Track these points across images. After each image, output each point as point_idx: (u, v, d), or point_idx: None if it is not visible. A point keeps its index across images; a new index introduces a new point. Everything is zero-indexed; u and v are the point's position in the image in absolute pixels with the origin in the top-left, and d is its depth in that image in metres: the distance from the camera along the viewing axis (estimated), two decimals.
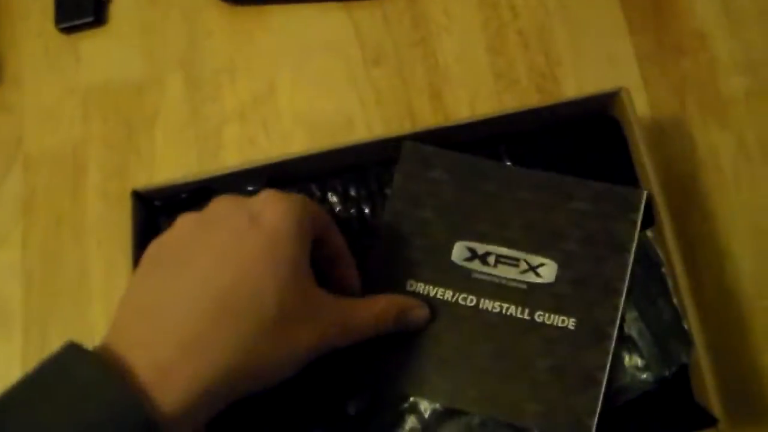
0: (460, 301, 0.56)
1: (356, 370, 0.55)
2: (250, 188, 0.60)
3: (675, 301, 0.55)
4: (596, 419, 0.53)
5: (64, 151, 0.72)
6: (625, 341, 0.55)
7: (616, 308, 0.54)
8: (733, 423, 0.58)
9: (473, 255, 0.56)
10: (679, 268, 0.54)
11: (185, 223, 0.50)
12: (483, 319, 0.55)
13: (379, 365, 0.55)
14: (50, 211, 0.71)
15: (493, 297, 0.55)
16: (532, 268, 0.56)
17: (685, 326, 0.54)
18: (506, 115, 0.59)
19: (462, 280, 0.56)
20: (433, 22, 0.71)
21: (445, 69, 0.70)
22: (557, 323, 0.55)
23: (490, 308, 0.55)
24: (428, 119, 0.69)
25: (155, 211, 0.62)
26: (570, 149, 0.60)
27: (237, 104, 0.71)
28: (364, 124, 0.69)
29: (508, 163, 0.60)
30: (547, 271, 0.56)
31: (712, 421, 0.52)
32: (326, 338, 0.48)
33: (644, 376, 0.54)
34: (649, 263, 0.56)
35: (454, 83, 0.69)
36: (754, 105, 0.67)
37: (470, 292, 0.56)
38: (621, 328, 0.55)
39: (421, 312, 0.54)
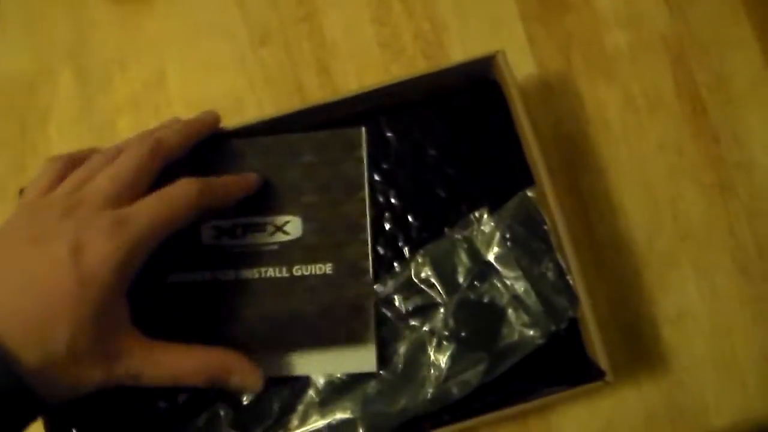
0: (220, 277, 0.57)
1: None
2: None
3: (559, 257, 0.56)
4: (374, 331, 0.55)
5: None
6: (511, 300, 0.55)
7: (365, 243, 0.57)
8: (629, 371, 0.59)
9: (219, 232, 0.58)
10: (561, 225, 0.55)
11: (17, 223, 0.50)
12: (247, 288, 0.57)
13: None
14: None
15: (249, 265, 0.57)
16: (279, 228, 0.58)
17: (570, 282, 0.55)
18: (385, 87, 0.59)
19: (217, 257, 0.57)
20: None
21: (332, 44, 0.70)
22: (315, 272, 0.57)
23: (250, 276, 0.57)
24: (317, 94, 0.69)
25: None
26: (452, 116, 0.61)
27: (129, 94, 0.71)
28: (254, 105, 0.69)
29: (389, 134, 0.60)
30: (293, 227, 0.58)
31: (600, 374, 0.53)
32: (118, 382, 0.48)
33: (532, 332, 0.55)
34: (530, 222, 0.57)
35: (342, 57, 0.69)
36: (638, 58, 0.67)
37: (227, 267, 0.57)
38: (508, 287, 0.56)
39: (249, 379, 0.52)
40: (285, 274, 0.57)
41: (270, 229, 0.58)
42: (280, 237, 0.57)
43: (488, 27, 0.69)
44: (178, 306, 0.57)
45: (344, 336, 0.56)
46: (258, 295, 0.57)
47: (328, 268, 0.57)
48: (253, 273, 0.57)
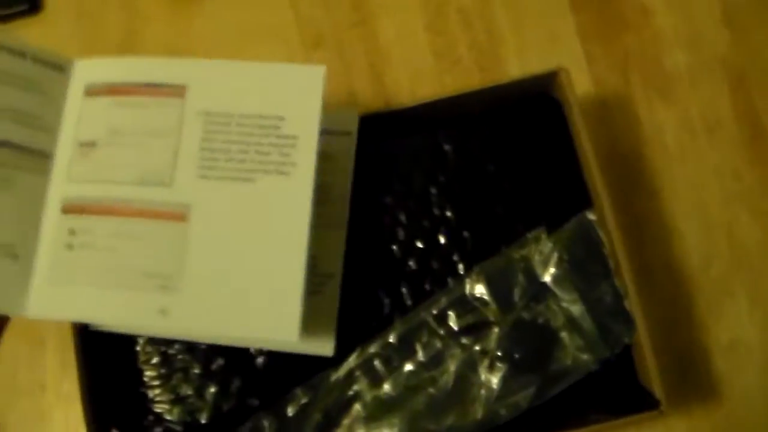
0: None
1: None
2: None
3: (616, 281, 0.54)
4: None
5: None
6: (566, 323, 0.54)
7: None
8: (679, 399, 0.58)
9: None
10: (620, 249, 0.54)
11: None
12: None
13: None
14: None
15: None
16: None
17: (627, 307, 0.54)
18: (444, 99, 0.58)
19: None
20: (372, 2, 0.70)
21: (386, 50, 0.69)
22: None
23: None
24: (369, 101, 0.68)
25: None
26: (510, 131, 0.60)
27: None
28: None
29: (447, 147, 0.59)
30: None
31: (654, 404, 0.52)
32: None
33: (586, 356, 0.54)
34: (588, 244, 0.56)
35: (395, 64, 0.68)
36: (697, 80, 0.66)
37: None
38: (563, 309, 0.55)
39: None
40: None
41: None
42: None
43: (545, 42, 0.68)
44: None
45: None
46: None
47: None
48: None
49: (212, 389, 0.56)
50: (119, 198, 0.50)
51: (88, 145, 0.52)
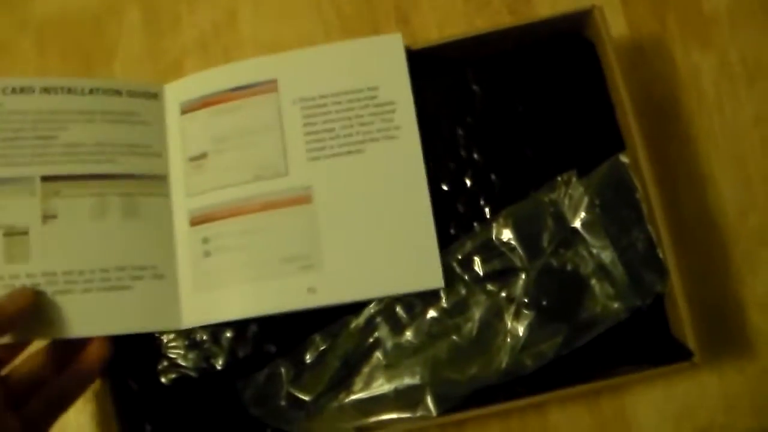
0: None
1: None
2: None
3: (650, 228, 0.52)
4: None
5: None
6: (596, 270, 0.52)
7: None
8: (711, 354, 0.56)
9: None
10: (654, 194, 0.52)
11: None
12: None
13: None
14: None
15: None
16: None
17: (660, 255, 0.52)
18: (474, 36, 0.56)
19: None
20: None
21: None
22: None
23: None
24: None
25: None
26: (541, 72, 0.58)
27: (197, 34, 0.68)
28: None
29: (475, 87, 0.57)
30: None
31: (687, 355, 0.50)
32: None
33: (616, 305, 0.52)
34: (621, 189, 0.53)
35: (423, 7, 0.66)
36: (737, 23, 0.63)
37: None
38: (593, 256, 0.53)
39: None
40: None
41: None
42: None
43: None
44: None
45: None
46: None
47: None
48: None
49: (228, 334, 0.55)
50: (241, 198, 0.54)
51: (199, 158, 0.56)
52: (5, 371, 0.51)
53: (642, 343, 0.53)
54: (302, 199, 0.53)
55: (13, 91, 0.54)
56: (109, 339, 0.53)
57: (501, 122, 0.56)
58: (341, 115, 0.55)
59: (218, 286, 0.53)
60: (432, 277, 0.52)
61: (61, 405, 0.51)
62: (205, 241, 0.54)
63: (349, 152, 0.54)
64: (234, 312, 0.53)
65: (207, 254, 0.54)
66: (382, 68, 0.55)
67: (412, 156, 0.54)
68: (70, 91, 0.54)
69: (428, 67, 0.56)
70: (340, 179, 0.54)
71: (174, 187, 0.55)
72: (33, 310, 0.50)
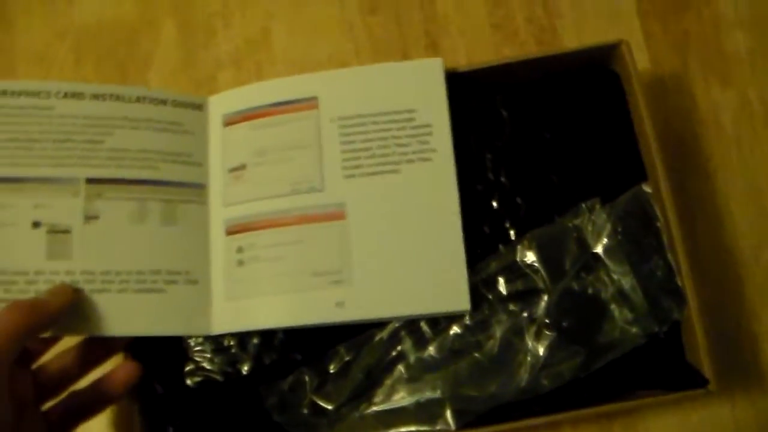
0: None
1: None
2: None
3: (669, 257, 0.54)
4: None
5: None
6: (616, 295, 0.54)
7: None
8: (724, 384, 0.57)
9: None
10: (674, 224, 0.53)
11: None
12: None
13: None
14: None
15: None
16: None
17: (679, 283, 0.53)
18: (504, 64, 0.57)
19: None
20: None
21: (443, 18, 0.68)
22: None
23: None
24: None
25: None
26: (568, 101, 0.59)
27: (231, 49, 0.70)
28: None
29: (504, 113, 0.59)
30: None
31: (702, 382, 0.51)
32: None
33: (634, 330, 0.53)
34: (643, 217, 0.55)
35: (452, 33, 0.68)
36: (757, 63, 0.65)
37: None
38: (614, 281, 0.54)
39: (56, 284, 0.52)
40: None
41: None
42: None
43: (604, 18, 0.67)
44: None
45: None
46: None
47: None
48: None
49: (255, 341, 0.56)
50: (277, 211, 0.55)
51: (238, 170, 0.57)
52: (36, 365, 0.52)
53: (658, 369, 0.54)
54: (336, 215, 0.55)
55: (65, 95, 0.55)
56: (138, 366, 0.54)
57: (528, 147, 0.58)
58: (378, 135, 0.56)
59: (250, 295, 0.54)
60: (459, 300, 0.53)
61: (83, 414, 0.52)
62: (240, 250, 0.55)
63: (384, 172, 0.55)
64: (263, 321, 0.54)
65: (240, 263, 0.55)
66: (422, 91, 0.56)
67: (445, 179, 0.55)
68: (118, 98, 0.56)
69: (459, 91, 0.57)
70: (374, 198, 0.55)
71: (212, 196, 0.57)
72: (72, 307, 0.51)
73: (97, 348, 0.53)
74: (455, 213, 0.54)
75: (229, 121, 0.58)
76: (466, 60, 0.67)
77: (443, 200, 0.54)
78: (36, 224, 0.53)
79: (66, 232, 0.53)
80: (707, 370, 0.51)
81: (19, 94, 0.55)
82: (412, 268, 0.54)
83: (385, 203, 0.55)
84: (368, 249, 0.54)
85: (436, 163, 0.55)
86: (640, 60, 0.64)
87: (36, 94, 0.55)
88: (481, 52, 0.67)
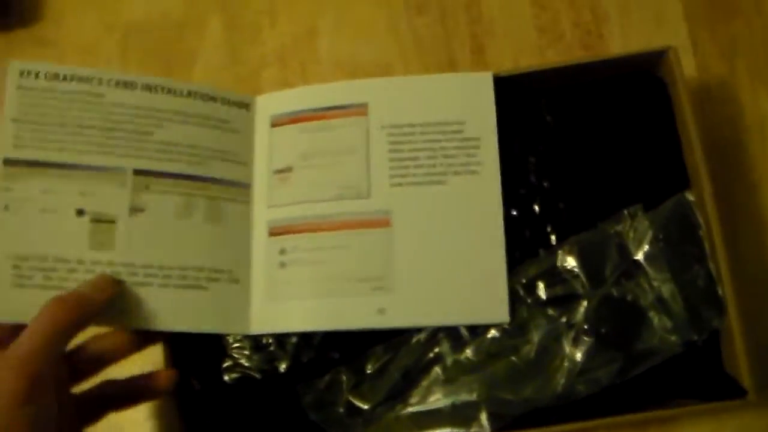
0: None
1: None
2: None
3: (710, 265, 0.53)
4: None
5: None
6: (655, 303, 0.53)
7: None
8: (762, 395, 0.57)
9: None
10: (717, 233, 0.53)
11: None
12: None
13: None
14: None
15: None
16: None
17: (719, 292, 0.53)
18: (549, 69, 0.58)
19: None
20: None
21: (489, 21, 0.68)
22: None
23: None
24: (468, 71, 0.67)
25: None
26: (612, 106, 0.59)
27: (277, 47, 0.70)
28: (403, 74, 0.68)
29: (549, 117, 0.59)
30: None
31: (741, 392, 0.51)
32: None
33: (673, 338, 0.53)
34: (685, 225, 0.55)
35: (497, 36, 0.68)
36: None
37: None
38: (654, 289, 0.54)
39: (96, 276, 0.52)
40: None
41: None
42: None
43: (651, 24, 0.67)
44: None
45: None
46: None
47: None
48: None
49: (294, 339, 0.56)
50: (322, 215, 0.56)
51: (284, 171, 0.57)
52: (73, 346, 0.52)
53: (695, 378, 0.54)
54: (381, 222, 0.55)
55: (117, 84, 0.56)
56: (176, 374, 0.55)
57: (572, 152, 0.58)
58: (427, 146, 0.56)
59: (290, 297, 0.55)
60: (499, 312, 0.54)
61: (115, 405, 0.53)
62: (282, 252, 0.56)
63: (431, 182, 0.56)
64: (302, 324, 0.55)
65: (282, 265, 0.55)
66: (471, 104, 0.57)
67: (491, 193, 0.55)
68: (169, 91, 0.57)
69: (504, 95, 0.57)
70: (419, 207, 0.55)
71: (256, 197, 0.57)
72: (113, 299, 0.52)
73: (137, 337, 0.54)
74: (499, 227, 0.55)
75: (277, 122, 0.58)
76: (511, 63, 0.67)
77: (487, 214, 0.55)
78: (80, 212, 0.54)
79: (110, 222, 0.54)
80: (746, 380, 0.51)
81: (71, 79, 0.55)
82: (454, 279, 0.54)
83: (429, 213, 0.55)
84: (411, 257, 0.55)
85: (483, 176, 0.56)
86: (686, 66, 0.63)
87: (88, 80, 0.55)
88: (527, 55, 0.67)
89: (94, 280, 0.52)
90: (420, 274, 0.54)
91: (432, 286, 0.54)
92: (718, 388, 0.53)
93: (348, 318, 0.54)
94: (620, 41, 0.67)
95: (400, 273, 0.54)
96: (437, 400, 0.54)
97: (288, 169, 0.57)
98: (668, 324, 0.53)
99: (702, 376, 0.54)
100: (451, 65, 0.68)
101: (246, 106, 0.59)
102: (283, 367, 0.56)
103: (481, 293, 0.54)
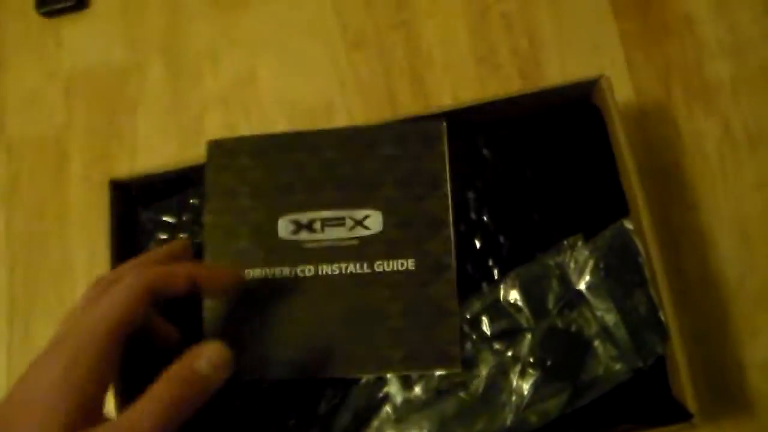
0: (299, 274, 0.56)
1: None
2: None
3: (652, 291, 0.54)
4: (459, 345, 0.54)
5: (47, 137, 0.72)
6: (599, 332, 0.54)
7: (448, 239, 0.55)
8: (711, 415, 0.58)
9: (298, 226, 0.57)
10: (656, 259, 0.53)
11: None
12: (326, 284, 0.55)
13: (245, 361, 0.55)
14: (33, 199, 0.71)
15: (329, 261, 0.56)
16: (359, 223, 0.56)
17: (661, 318, 0.53)
18: (485, 103, 0.58)
19: (295, 253, 0.56)
20: (415, 3, 0.70)
21: (428, 53, 0.69)
22: (398, 267, 0.55)
23: (330, 272, 0.56)
24: (409, 104, 0.68)
25: (133, 201, 0.62)
26: (550, 137, 0.60)
27: (218, 89, 0.71)
28: (344, 110, 0.68)
29: (486, 152, 0.59)
30: (374, 221, 0.56)
31: (687, 416, 0.52)
32: None
33: (618, 366, 0.54)
34: (625, 253, 0.55)
35: (436, 68, 0.69)
36: (739, 91, 0.65)
37: (306, 263, 0.56)
38: (597, 318, 0.54)
39: (212, 352, 0.46)
40: (366, 269, 0.55)
41: (349, 223, 0.56)
42: (361, 231, 0.56)
43: (587, 49, 0.68)
44: (254, 301, 0.56)
45: (430, 340, 0.54)
46: (337, 291, 0.55)
47: (410, 263, 0.55)
48: (332, 268, 0.56)
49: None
50: None
51: None
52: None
53: (643, 403, 0.55)
54: None
55: None
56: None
57: (510, 186, 0.58)
58: None
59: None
60: (451, 362, 0.54)
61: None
62: None
63: None
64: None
65: None
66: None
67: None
68: None
69: None
70: None
71: None
72: None
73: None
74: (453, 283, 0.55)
75: None
76: (450, 94, 0.68)
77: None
78: None
79: None
80: (692, 404, 0.51)
81: None
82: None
83: None
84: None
85: None
86: (623, 89, 0.65)
87: None
88: (466, 86, 0.68)
89: (215, 359, 0.46)
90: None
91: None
92: (664, 412, 0.54)
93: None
94: (558, 67, 0.67)
95: None
96: None
97: None
98: (613, 352, 0.54)
99: (649, 402, 0.55)
100: (390, 97, 0.68)
101: None
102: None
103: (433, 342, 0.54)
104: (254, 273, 0.56)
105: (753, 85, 0.65)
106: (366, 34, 0.70)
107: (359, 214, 0.56)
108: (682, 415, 0.52)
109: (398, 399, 0.55)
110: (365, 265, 0.55)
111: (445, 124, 0.57)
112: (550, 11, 0.69)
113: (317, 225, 0.56)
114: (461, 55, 0.69)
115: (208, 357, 0.45)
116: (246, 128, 0.69)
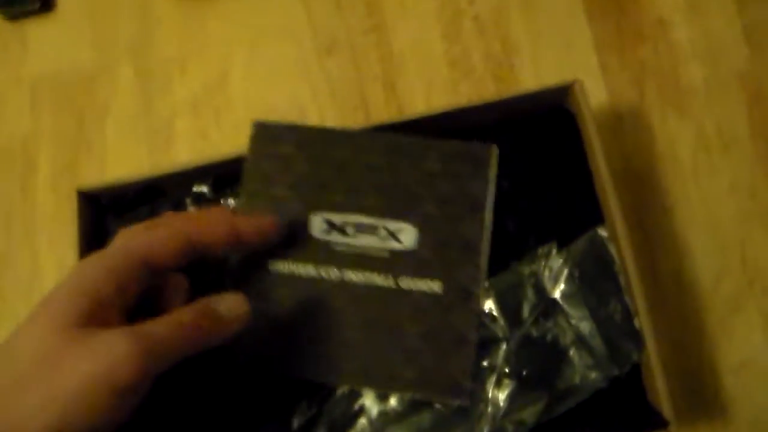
0: (323, 275, 0.55)
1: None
2: (196, 189, 0.59)
3: (627, 299, 0.54)
4: (470, 378, 0.53)
5: (13, 144, 0.71)
6: (575, 340, 0.54)
7: (478, 267, 0.54)
8: (687, 420, 0.58)
9: (331, 227, 0.55)
10: (631, 267, 0.53)
11: None
12: (350, 291, 0.54)
13: (254, 349, 0.54)
14: None
15: (356, 267, 0.54)
16: (392, 235, 0.55)
17: (636, 325, 0.53)
18: (457, 110, 0.57)
19: (323, 253, 0.55)
20: (387, 8, 0.70)
21: (400, 57, 0.68)
22: (423, 288, 0.54)
23: (354, 279, 0.54)
24: (381, 109, 0.67)
25: (102, 211, 0.61)
26: (524, 144, 0.59)
27: (188, 95, 0.70)
28: (316, 115, 0.68)
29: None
30: (408, 236, 0.55)
31: (663, 423, 0.52)
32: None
33: (594, 375, 0.53)
34: (599, 261, 0.55)
35: (409, 72, 0.68)
36: (713, 94, 0.65)
37: (333, 265, 0.55)
38: (572, 327, 0.54)
39: (232, 301, 0.46)
40: (391, 284, 0.54)
41: (383, 233, 0.55)
42: (393, 244, 0.55)
43: (561, 53, 0.67)
44: (274, 293, 0.55)
45: (443, 367, 0.53)
46: (360, 300, 0.54)
47: (437, 286, 0.54)
48: (358, 276, 0.54)
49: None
50: None
51: None
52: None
53: (620, 411, 0.55)
54: None
55: None
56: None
57: None
58: None
59: None
60: (460, 394, 0.53)
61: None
62: None
63: None
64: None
65: None
66: None
67: None
68: None
69: None
70: None
71: None
72: None
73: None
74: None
75: None
76: (423, 98, 0.67)
77: None
78: None
79: None
80: (667, 411, 0.51)
81: None
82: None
83: None
84: None
85: None
86: (597, 93, 0.65)
87: None
88: (439, 90, 0.67)
89: (235, 307, 0.46)
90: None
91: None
92: (640, 420, 0.54)
93: None
94: (532, 71, 0.67)
95: None
96: None
97: None
98: (589, 361, 0.54)
99: (625, 409, 0.55)
100: (362, 102, 0.67)
101: None
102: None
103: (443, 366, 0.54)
104: (278, 265, 0.55)
105: (726, 89, 0.65)
106: (337, 38, 0.69)
107: (394, 225, 0.55)
108: (659, 422, 0.52)
109: (374, 411, 0.55)
110: (391, 279, 0.54)
111: (496, 148, 0.56)
112: (523, 15, 0.68)
113: (350, 229, 0.55)
114: (434, 60, 0.68)
115: (229, 303, 0.46)
116: (216, 135, 0.68)
